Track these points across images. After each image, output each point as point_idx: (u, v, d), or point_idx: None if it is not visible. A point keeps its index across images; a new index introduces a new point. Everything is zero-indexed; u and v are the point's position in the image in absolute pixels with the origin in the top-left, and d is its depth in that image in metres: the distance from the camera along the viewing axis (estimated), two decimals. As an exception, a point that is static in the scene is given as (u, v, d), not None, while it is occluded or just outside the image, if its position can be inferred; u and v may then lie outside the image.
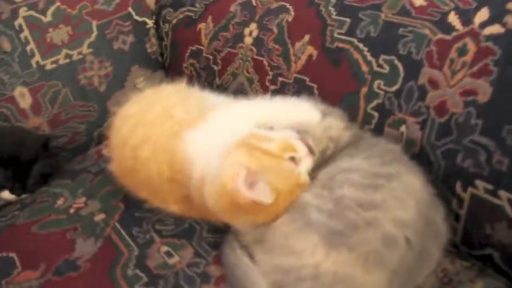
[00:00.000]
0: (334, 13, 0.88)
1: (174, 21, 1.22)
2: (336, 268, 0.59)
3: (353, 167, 0.67)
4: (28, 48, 1.10)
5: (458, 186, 0.70)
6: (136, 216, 0.86)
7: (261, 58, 0.98)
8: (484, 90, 0.67)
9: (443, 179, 0.72)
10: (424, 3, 0.77)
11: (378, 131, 0.80)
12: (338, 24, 0.87)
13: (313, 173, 0.70)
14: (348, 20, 0.86)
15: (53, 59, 1.12)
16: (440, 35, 0.73)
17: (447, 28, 0.73)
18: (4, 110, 1.08)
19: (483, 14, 0.69)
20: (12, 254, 0.82)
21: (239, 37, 1.03)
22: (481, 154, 0.67)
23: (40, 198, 0.96)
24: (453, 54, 0.71)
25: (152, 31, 1.29)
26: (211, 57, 1.10)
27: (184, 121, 0.80)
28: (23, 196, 0.97)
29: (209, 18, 1.12)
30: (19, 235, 0.87)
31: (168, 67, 1.27)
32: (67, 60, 1.14)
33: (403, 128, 0.77)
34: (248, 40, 1.01)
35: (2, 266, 0.79)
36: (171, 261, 0.76)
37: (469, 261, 0.72)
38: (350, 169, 0.67)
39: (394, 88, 0.78)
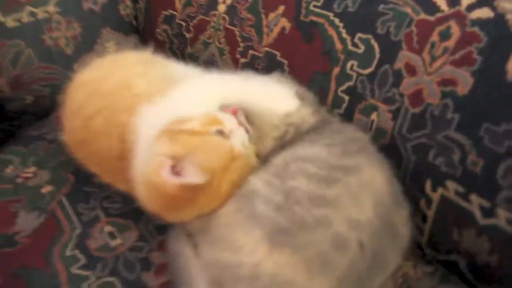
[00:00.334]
0: (312, -17, 0.80)
1: (149, -18, 1.14)
2: (276, 270, 0.53)
3: (310, 156, 0.61)
4: (-14, 3, 1.01)
5: (428, 185, 0.65)
6: (84, 191, 0.81)
7: (233, 28, 0.91)
8: (465, 81, 0.60)
9: (412, 175, 0.67)
10: (409, -23, 0.69)
11: (347, 116, 0.75)
12: (315, -6, 0.80)
13: (270, 156, 0.65)
14: (326, -10, 0.78)
15: (15, 16, 1.04)
16: (422, 15, 0.66)
17: (431, 8, 0.66)
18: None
19: (472, -6, 0.62)
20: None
21: (213, 4, 0.96)
22: (455, 152, 0.61)
23: (-11, 164, 0.90)
24: (434, 37, 0.64)
25: (126, -8, 1.20)
26: (183, 23, 1.02)
27: (143, 93, 0.73)
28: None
29: (185, -19, 1.04)
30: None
31: (142, 31, 1.18)
32: (31, 19, 1.06)
33: (374, 116, 0.71)
34: (222, 7, 0.94)
35: None
36: (113, 243, 0.72)
37: (433, 266, 0.67)
38: (307, 157, 0.61)
39: (367, 71, 0.72)
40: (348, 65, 0.73)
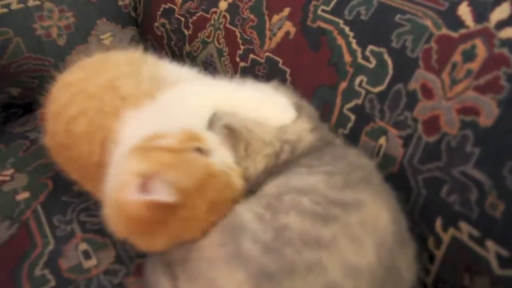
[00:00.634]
0: (321, -16, 0.73)
1: (149, -28, 1.07)
2: (258, 321, 0.46)
3: (306, 187, 0.54)
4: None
5: (438, 224, 0.57)
6: (62, 201, 0.76)
7: (233, 28, 0.84)
8: (489, 111, 0.52)
9: (422, 211, 0.59)
10: (432, -15, 0.61)
11: (353, 138, 0.67)
12: (324, -2, 0.72)
13: (263, 180, 0.59)
14: (336, -6, 0.71)
15: (4, 2, 0.97)
16: (444, 30, 0.58)
17: (455, 22, 0.58)
18: None
19: (503, 11, 0.54)
20: None
21: (214, 0, 0.87)
22: (472, 191, 0.53)
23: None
24: (457, 57, 0.56)
25: (125, -19, 1.13)
26: (182, 19, 0.95)
27: (129, 96, 0.67)
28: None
29: (186, -27, 0.97)
30: None
31: (141, 24, 1.11)
32: (21, 5, 1.00)
33: (382, 140, 0.63)
34: (223, 4, 0.87)
35: None
36: (87, 264, 0.66)
37: None
38: (302, 189, 0.54)
39: (378, 89, 0.64)
40: (357, 80, 0.66)
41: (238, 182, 0.58)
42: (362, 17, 0.66)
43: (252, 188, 0.60)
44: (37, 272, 0.64)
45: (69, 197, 0.75)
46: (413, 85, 0.59)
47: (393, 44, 0.62)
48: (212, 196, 0.54)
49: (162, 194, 0.50)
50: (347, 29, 0.67)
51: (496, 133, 0.51)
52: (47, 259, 0.66)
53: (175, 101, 0.66)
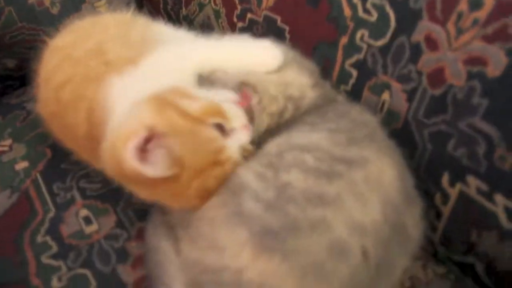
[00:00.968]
0: None
1: None
2: (262, 280, 0.46)
3: (310, 144, 0.53)
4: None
5: (445, 179, 0.56)
6: (61, 168, 0.75)
7: (230, -12, 0.81)
8: (497, 61, 0.50)
9: (428, 167, 0.58)
10: None
11: (355, 94, 0.66)
12: None
13: (263, 140, 0.57)
14: None
15: (-8, -30, 0.94)
16: (449, -23, 0.55)
17: (460, -33, 0.55)
18: None
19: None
20: None
21: (209, -41, 0.85)
22: (480, 144, 0.52)
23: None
24: (462, 6, 0.53)
25: None
26: (178, -19, 0.92)
27: (116, 60, 0.63)
28: None
29: None
30: None
31: (136, -11, 1.08)
32: (10, -27, 0.96)
33: (385, 95, 0.62)
34: (219, -36, 0.83)
35: None
36: (88, 229, 0.66)
37: (445, 266, 0.60)
38: (305, 146, 0.53)
39: (380, 43, 0.62)
40: (358, 34, 0.64)
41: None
42: (363, -33, 0.64)
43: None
44: (39, 239, 0.64)
45: (68, 165, 0.74)
46: (417, 37, 0.57)
47: (395, -5, 0.60)
48: (209, 183, 0.51)
49: (157, 167, 0.48)
50: (346, -20, 0.65)
51: (505, 83, 0.49)
52: (49, 226, 0.66)
53: (161, 61, 0.63)
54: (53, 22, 1.01)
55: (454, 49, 0.54)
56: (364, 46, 0.63)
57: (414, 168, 0.56)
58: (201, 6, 0.88)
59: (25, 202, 0.69)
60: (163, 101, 0.51)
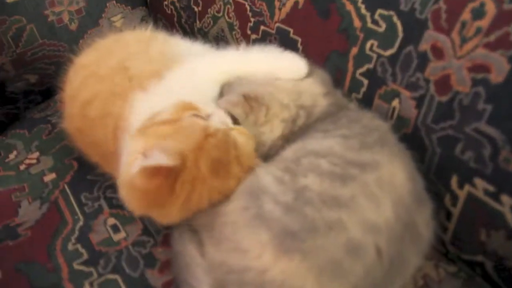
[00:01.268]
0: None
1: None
2: (284, 278, 0.49)
3: (324, 150, 0.56)
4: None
5: (454, 181, 0.59)
6: (87, 179, 0.78)
7: (243, 1, 0.84)
8: (500, 68, 0.53)
9: (437, 170, 0.61)
10: None
11: (366, 102, 0.68)
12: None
13: (280, 147, 0.61)
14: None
15: (14, -9, 0.99)
16: (453, -11, 0.58)
17: (463, -20, 0.57)
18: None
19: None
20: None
21: (222, -25, 0.88)
22: (485, 147, 0.54)
23: (-7, 149, 0.88)
24: (466, 15, 0.56)
25: (134, -40, 1.13)
26: (192, -4, 0.95)
27: (139, 74, 0.67)
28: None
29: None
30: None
31: (150, 4, 1.12)
32: (31, -7, 1.00)
33: (395, 103, 0.64)
34: (231, -21, 0.86)
35: None
36: (116, 237, 0.69)
37: (456, 266, 0.62)
38: (320, 152, 0.56)
39: (389, 52, 0.64)
40: (368, 45, 0.66)
41: (240, 140, 0.58)
42: (370, -19, 0.66)
43: (269, 153, 0.62)
44: (70, 247, 0.67)
45: (94, 176, 0.77)
46: (424, 46, 0.60)
47: (402, 7, 0.62)
48: (213, 154, 0.54)
49: (161, 159, 0.51)
50: (355, -7, 0.68)
51: (508, 88, 0.52)
52: (79, 235, 0.69)
53: (183, 79, 0.67)
54: (72, 38, 1.06)
55: (459, 57, 0.56)
56: (374, 56, 0.66)
57: (424, 171, 0.59)
58: (215, 19, 0.91)
59: (55, 212, 0.72)
60: (142, 129, 0.57)
